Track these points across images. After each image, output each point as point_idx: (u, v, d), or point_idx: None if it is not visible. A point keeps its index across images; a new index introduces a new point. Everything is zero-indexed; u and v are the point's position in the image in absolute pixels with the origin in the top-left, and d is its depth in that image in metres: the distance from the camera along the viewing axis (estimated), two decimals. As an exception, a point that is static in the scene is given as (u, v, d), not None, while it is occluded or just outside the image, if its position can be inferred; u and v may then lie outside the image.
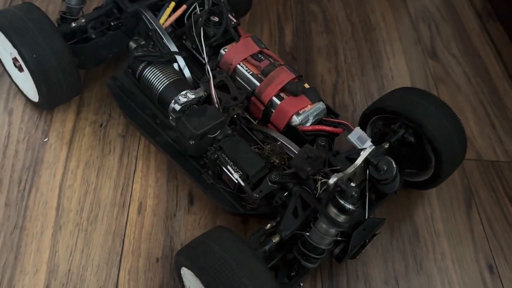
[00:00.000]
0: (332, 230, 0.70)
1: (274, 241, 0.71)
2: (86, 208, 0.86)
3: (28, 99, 0.95)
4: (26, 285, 0.76)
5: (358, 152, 0.81)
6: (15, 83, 0.97)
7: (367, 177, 0.79)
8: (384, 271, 0.87)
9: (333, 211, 0.68)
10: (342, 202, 0.67)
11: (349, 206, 0.67)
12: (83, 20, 0.93)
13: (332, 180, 0.68)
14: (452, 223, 0.95)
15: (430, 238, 0.93)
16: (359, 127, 0.86)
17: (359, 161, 0.72)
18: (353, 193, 0.67)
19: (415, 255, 0.90)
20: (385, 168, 0.74)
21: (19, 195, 0.85)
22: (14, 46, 0.83)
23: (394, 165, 0.74)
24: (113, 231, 0.84)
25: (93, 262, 0.80)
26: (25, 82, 0.91)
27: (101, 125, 0.96)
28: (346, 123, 0.87)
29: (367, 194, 0.80)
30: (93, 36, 0.94)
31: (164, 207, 0.88)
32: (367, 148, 0.74)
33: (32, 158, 0.90)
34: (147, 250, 0.83)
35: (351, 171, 0.71)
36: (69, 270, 0.79)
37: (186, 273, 0.69)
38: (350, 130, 0.86)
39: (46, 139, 0.93)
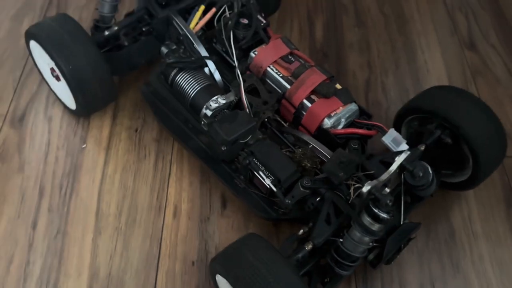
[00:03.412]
0: (366, 238, 0.69)
1: (307, 248, 0.71)
2: (124, 212, 0.89)
3: (66, 107, 0.99)
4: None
5: (392, 155, 0.79)
6: (53, 92, 1.00)
7: (402, 181, 0.78)
8: (420, 274, 0.86)
9: (367, 219, 0.68)
10: (376, 211, 0.66)
11: (384, 215, 0.66)
12: (116, 28, 0.95)
13: (365, 189, 0.67)
14: (491, 223, 0.93)
15: (467, 239, 0.90)
16: (393, 129, 0.84)
17: (393, 167, 0.71)
18: (388, 201, 0.66)
19: (452, 258, 0.88)
20: (421, 175, 0.72)
21: (60, 200, 0.89)
22: (51, 57, 0.86)
23: (430, 171, 0.73)
24: (150, 235, 0.86)
25: (132, 265, 0.83)
26: (63, 91, 0.94)
27: (136, 130, 0.99)
28: (380, 125, 0.86)
29: (402, 198, 0.79)
30: (126, 43, 0.96)
31: (198, 210, 0.90)
32: (402, 153, 0.72)
33: (71, 164, 0.94)
34: (183, 253, 0.85)
35: (385, 178, 0.70)
36: (109, 273, 0.82)
37: (221, 280, 0.71)
38: (384, 132, 0.85)
39: (84, 145, 0.96)
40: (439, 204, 0.94)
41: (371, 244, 0.71)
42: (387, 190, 0.74)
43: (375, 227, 0.67)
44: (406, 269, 0.86)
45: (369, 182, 0.67)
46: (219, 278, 0.72)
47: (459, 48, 1.21)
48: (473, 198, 0.95)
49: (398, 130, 0.87)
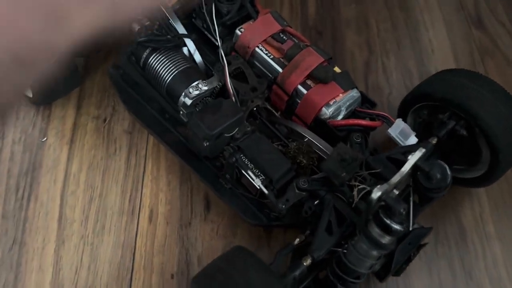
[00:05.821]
0: (374, 252, 0.59)
1: (305, 264, 0.61)
2: (91, 217, 0.77)
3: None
4: (28, 309, 0.69)
5: (401, 151, 0.69)
6: (6, 76, 0.86)
7: (411, 183, 0.68)
8: (429, 282, 0.76)
9: (376, 231, 0.57)
10: (388, 221, 0.56)
11: (396, 227, 0.56)
12: None
13: (375, 194, 0.56)
14: (505, 223, 0.84)
15: (479, 241, 0.81)
16: (400, 119, 0.74)
17: (406, 168, 0.60)
18: (401, 210, 0.55)
19: (463, 262, 0.79)
20: (439, 177, 0.62)
21: (17, 205, 0.77)
22: None
23: (449, 172, 0.62)
24: (122, 244, 0.75)
25: (101, 280, 0.72)
26: (16, 75, 0.81)
27: (104, 121, 0.86)
28: (386, 115, 0.75)
29: (411, 201, 0.69)
30: (90, 19, 0.82)
31: (177, 214, 0.78)
32: (417, 151, 0.62)
33: (30, 161, 0.81)
34: (161, 265, 0.74)
35: (396, 181, 0.59)
36: (75, 290, 0.71)
37: (204, 303, 0.60)
38: (390, 123, 0.74)
39: (45, 138, 0.83)
40: (448, 202, 0.84)
41: (379, 259, 0.61)
42: (396, 192, 0.63)
43: (386, 239, 0.57)
44: (414, 277, 0.77)
45: (378, 186, 0.57)
46: (201, 301, 0.61)
47: (466, 26, 1.10)
48: (485, 196, 0.86)
49: (403, 119, 0.76)
